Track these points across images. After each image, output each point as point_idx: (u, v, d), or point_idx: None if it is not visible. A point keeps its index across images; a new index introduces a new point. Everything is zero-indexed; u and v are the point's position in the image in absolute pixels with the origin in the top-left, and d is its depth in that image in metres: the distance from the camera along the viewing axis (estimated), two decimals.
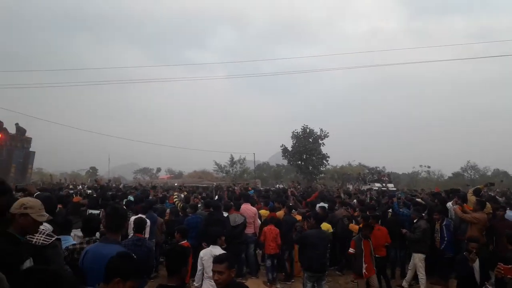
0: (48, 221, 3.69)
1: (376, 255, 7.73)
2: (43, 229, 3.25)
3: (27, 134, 26.31)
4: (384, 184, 24.01)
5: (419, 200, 10.85)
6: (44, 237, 3.18)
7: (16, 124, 25.43)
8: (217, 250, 5.53)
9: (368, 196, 14.72)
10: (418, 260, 7.87)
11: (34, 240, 3.12)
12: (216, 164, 48.54)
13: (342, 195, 13.54)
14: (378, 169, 43.93)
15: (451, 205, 8.70)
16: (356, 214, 9.07)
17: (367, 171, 42.14)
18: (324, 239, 6.81)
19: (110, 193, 11.79)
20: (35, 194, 6.97)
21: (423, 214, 8.50)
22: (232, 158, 48.07)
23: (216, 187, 19.64)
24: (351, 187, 24.01)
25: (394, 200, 10.04)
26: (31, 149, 26.62)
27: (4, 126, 24.56)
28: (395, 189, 22.66)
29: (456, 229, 8.21)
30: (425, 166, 50.17)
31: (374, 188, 21.91)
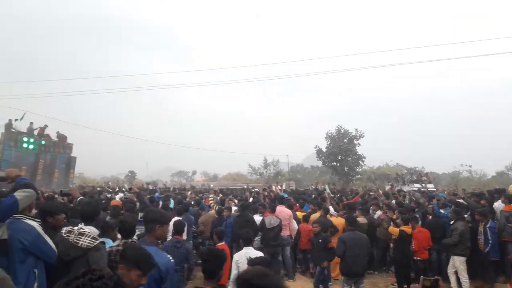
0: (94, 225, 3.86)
1: (418, 258, 7.53)
2: (88, 232, 3.40)
3: (68, 141, 27.83)
4: (423, 185, 23.10)
5: (460, 200, 10.46)
6: (89, 240, 3.33)
7: (57, 132, 27.21)
8: (251, 252, 5.53)
9: (408, 197, 14.29)
10: (459, 263, 7.51)
11: (80, 242, 3.27)
12: (250, 166, 48.81)
13: (379, 197, 13.22)
14: (417, 169, 42.43)
15: (497, 205, 8.34)
16: (395, 216, 8.86)
17: (405, 171, 40.87)
18: (361, 242, 6.66)
19: (148, 196, 12.13)
20: (78, 198, 7.30)
21: (465, 216, 8.18)
22: (265, 160, 48.19)
23: (245, 189, 19.70)
24: (388, 188, 23.33)
25: (433, 201, 9.73)
26: (72, 155, 28.04)
27: (46, 132, 26.18)
28: (435, 189, 21.82)
29: (501, 231, 7.86)
30: (466, 165, 47.98)
31: (413, 188, 21.21)
